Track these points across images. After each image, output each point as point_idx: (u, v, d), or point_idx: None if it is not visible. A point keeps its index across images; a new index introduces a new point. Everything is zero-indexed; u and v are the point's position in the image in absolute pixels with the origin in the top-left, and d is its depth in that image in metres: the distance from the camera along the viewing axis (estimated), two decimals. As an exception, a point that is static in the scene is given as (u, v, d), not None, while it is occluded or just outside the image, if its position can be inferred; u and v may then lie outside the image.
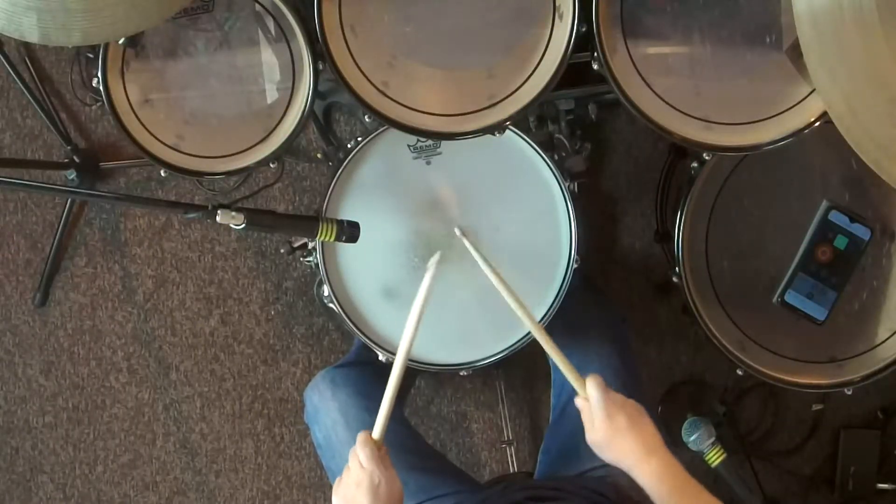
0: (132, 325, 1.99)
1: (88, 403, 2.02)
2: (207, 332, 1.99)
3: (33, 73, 1.91)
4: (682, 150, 1.73)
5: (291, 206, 1.94)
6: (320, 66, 1.26)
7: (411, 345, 1.10)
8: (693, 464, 1.85)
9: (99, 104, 1.91)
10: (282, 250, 1.93)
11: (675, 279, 1.37)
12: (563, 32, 1.21)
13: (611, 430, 1.05)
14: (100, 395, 2.02)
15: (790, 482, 1.96)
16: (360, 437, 1.06)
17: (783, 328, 1.40)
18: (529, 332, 1.36)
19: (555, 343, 1.14)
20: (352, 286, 1.39)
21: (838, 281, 1.39)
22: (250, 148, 1.33)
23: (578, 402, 1.10)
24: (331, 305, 1.38)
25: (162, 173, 1.30)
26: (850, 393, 1.36)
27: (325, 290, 1.37)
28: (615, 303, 1.91)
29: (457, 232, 1.34)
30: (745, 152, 1.31)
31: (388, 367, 1.39)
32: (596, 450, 1.08)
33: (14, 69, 1.85)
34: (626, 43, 1.25)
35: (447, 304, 1.37)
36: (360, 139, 1.34)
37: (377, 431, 1.07)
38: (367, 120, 1.33)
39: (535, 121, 1.64)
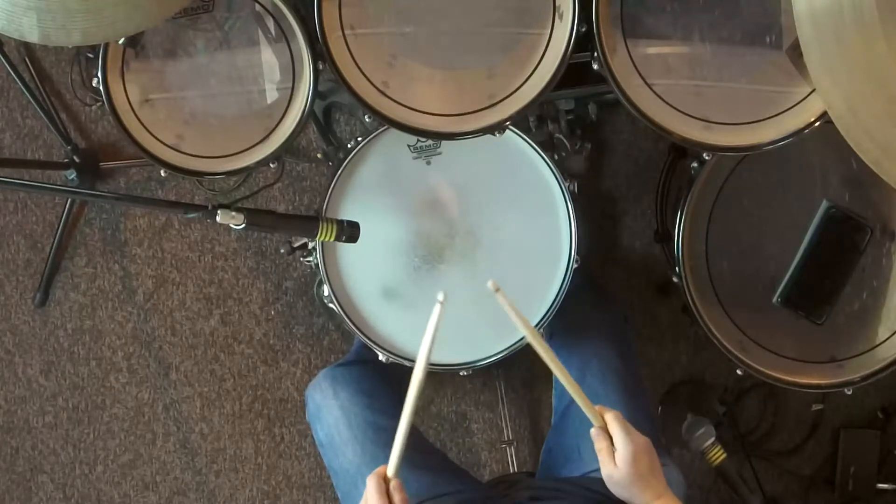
0: (132, 325, 1.99)
1: (88, 403, 2.02)
2: (207, 332, 1.99)
3: (33, 73, 1.90)
4: (682, 150, 1.73)
5: (291, 206, 1.94)
6: (320, 66, 1.26)
7: (423, 383, 1.10)
8: (693, 464, 1.87)
9: (99, 104, 1.91)
10: (282, 250, 1.93)
11: (675, 279, 1.37)
12: (563, 32, 1.21)
13: (634, 472, 1.05)
14: (100, 395, 2.01)
15: (790, 482, 1.96)
16: (374, 472, 1.07)
17: (783, 328, 1.40)
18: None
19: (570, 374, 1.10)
20: (352, 286, 1.39)
21: (838, 281, 1.39)
22: (250, 148, 1.33)
23: (594, 432, 1.08)
24: (331, 305, 1.38)
25: (162, 173, 1.30)
26: (850, 393, 1.36)
27: (325, 290, 1.37)
28: (616, 303, 1.90)
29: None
30: (745, 152, 1.31)
31: (388, 366, 1.40)
32: (610, 485, 1.08)
33: (14, 69, 1.85)
34: (626, 43, 1.25)
35: (447, 304, 1.37)
36: (360, 139, 1.34)
37: (391, 467, 1.06)
38: (367, 120, 1.32)
39: (535, 121, 1.63)
